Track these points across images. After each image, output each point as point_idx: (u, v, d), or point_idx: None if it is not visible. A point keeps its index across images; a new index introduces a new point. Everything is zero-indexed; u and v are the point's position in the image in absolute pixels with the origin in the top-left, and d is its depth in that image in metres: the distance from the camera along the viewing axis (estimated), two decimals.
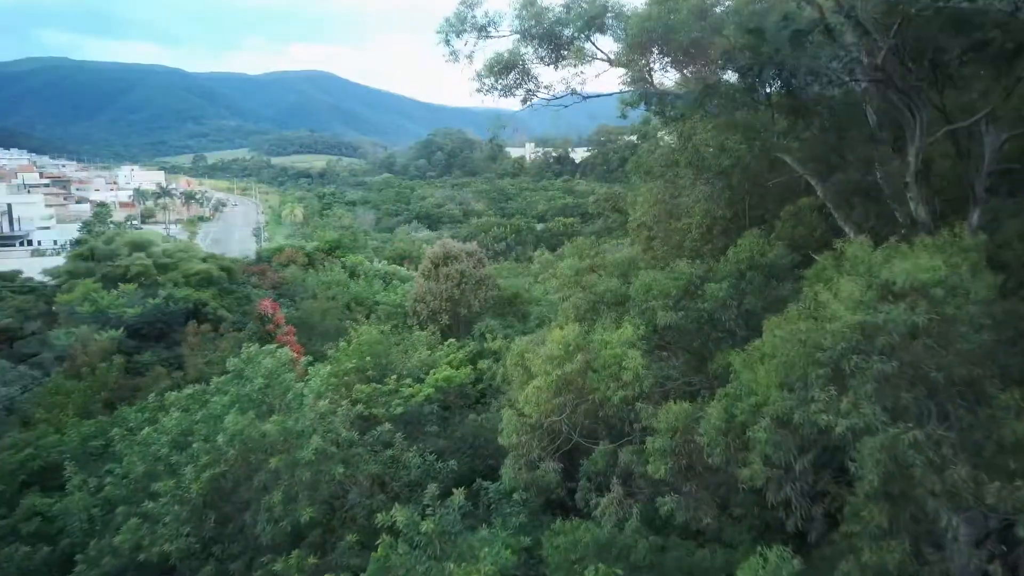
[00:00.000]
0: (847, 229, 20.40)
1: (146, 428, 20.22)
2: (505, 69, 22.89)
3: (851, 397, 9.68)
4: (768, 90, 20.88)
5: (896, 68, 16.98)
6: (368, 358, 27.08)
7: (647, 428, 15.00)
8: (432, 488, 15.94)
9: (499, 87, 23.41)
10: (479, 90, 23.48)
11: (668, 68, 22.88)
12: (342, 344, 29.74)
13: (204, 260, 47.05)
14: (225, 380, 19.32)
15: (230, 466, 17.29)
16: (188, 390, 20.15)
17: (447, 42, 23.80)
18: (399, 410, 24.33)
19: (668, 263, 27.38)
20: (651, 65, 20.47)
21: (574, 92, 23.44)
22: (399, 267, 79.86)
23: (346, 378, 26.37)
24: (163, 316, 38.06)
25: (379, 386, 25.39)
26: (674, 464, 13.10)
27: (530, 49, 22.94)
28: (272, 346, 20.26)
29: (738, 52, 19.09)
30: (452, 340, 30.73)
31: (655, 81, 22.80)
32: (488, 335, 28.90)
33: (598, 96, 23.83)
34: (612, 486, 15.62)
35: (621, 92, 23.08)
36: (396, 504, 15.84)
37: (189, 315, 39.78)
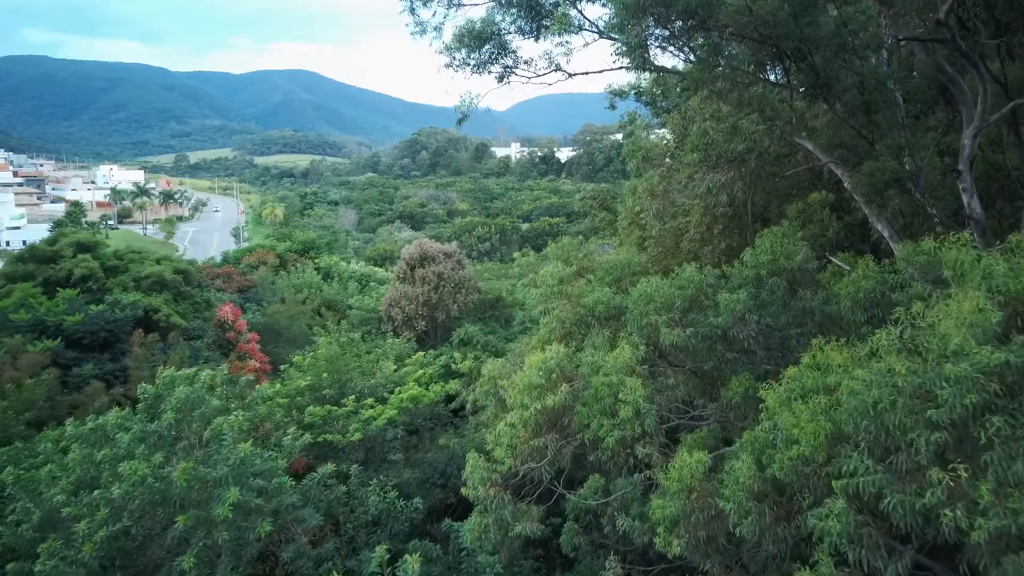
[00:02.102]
0: (879, 227, 17.27)
1: (49, 465, 16.86)
2: (478, 40, 19.65)
3: (991, 482, 6.43)
4: (785, 64, 17.77)
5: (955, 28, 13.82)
6: (325, 375, 23.74)
7: (652, 481, 11.85)
8: (380, 551, 12.67)
9: (472, 62, 20.17)
10: (448, 65, 20.23)
11: (666, 46, 19.78)
12: (296, 357, 26.39)
13: (158, 262, 43.42)
14: (126, 414, 15.85)
15: (135, 520, 13.97)
16: (90, 422, 16.60)
17: (412, 11, 20.59)
18: (357, 436, 21.06)
19: (664, 265, 24.39)
20: (647, 33, 17.24)
21: (558, 68, 20.26)
22: (377, 268, 76.35)
23: (298, 399, 23.07)
24: (107, 324, 34.50)
25: (335, 408, 22.10)
26: (690, 537, 9.90)
27: (507, 18, 19.75)
28: (191, 369, 16.90)
29: (752, 18, 15.99)
30: (421, 353, 27.45)
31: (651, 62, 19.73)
32: (457, 355, 25.54)
33: (586, 74, 20.65)
34: (608, 563, 12.39)
35: (612, 68, 19.91)
36: (335, 572, 12.59)
37: (138, 323, 36.30)
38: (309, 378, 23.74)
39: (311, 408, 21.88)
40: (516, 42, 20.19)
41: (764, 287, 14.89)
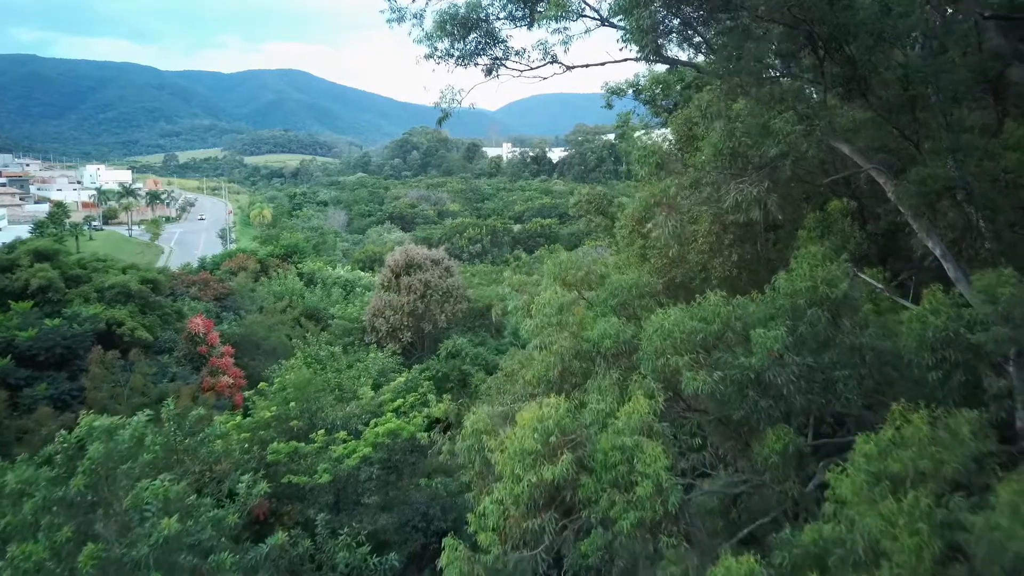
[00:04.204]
0: (930, 244, 14.79)
1: None
2: (463, 28, 17.11)
3: None
4: (819, 54, 15.28)
5: None
6: (293, 403, 21.12)
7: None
8: None
9: (456, 53, 17.63)
10: (429, 56, 17.70)
11: (676, 36, 17.33)
12: (261, 384, 23.77)
13: (123, 271, 40.63)
14: (29, 475, 13.05)
15: None
16: None
17: None
18: (326, 478, 18.52)
19: (669, 277, 21.90)
20: (658, 14, 14.73)
21: (554, 60, 17.75)
22: (363, 273, 73.49)
23: (261, 433, 20.47)
24: (64, 340, 31.76)
25: (301, 445, 19.53)
26: None
27: (496, 2, 17.22)
28: (115, 418, 14.22)
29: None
30: (402, 377, 24.82)
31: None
32: (430, 396, 22.81)
33: (586, 67, 18.13)
34: None
35: (616, 60, 17.43)
36: None
37: (100, 337, 33.55)
38: (274, 408, 21.14)
39: (274, 445, 19.32)
40: (506, 30, 17.75)
41: (803, 320, 12.40)
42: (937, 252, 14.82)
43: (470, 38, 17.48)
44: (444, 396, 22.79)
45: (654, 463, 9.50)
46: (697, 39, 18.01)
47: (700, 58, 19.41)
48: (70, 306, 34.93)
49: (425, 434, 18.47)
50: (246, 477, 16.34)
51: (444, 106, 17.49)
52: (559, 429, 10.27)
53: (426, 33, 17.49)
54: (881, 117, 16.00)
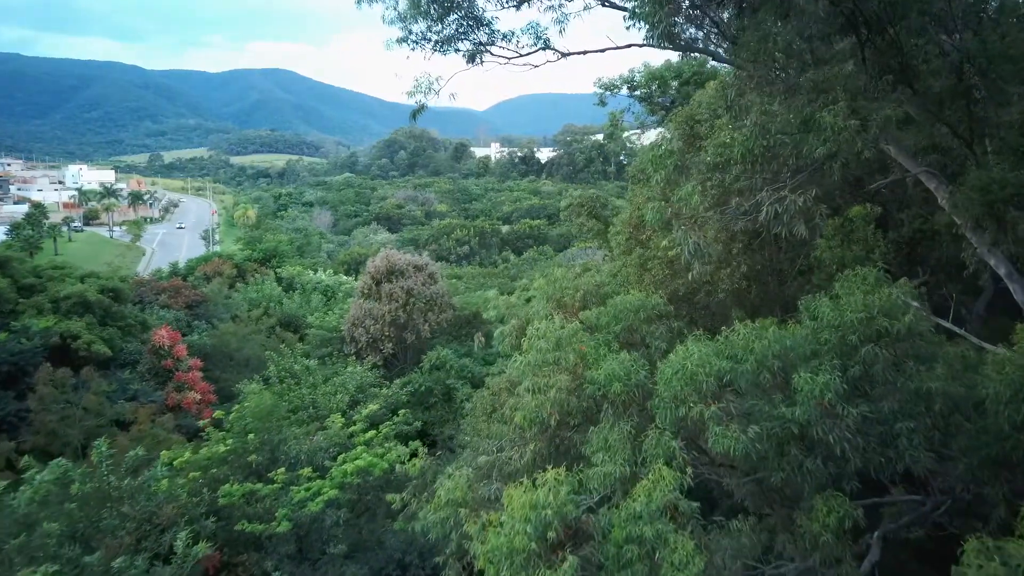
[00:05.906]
0: (992, 262, 12.56)
1: None
2: (441, 8, 14.71)
3: None
4: (860, 37, 12.95)
5: None
6: (252, 435, 18.65)
7: None
8: None
9: (433, 37, 15.23)
10: (403, 40, 15.30)
11: (688, 17, 15.04)
12: (218, 412, 21.25)
13: (82, 280, 37.98)
14: None
15: None
16: None
17: None
18: (284, 526, 16.08)
19: (671, 289, 19.67)
20: None
21: (547, 46, 15.37)
22: (346, 277, 70.74)
23: (214, 471, 18.00)
24: (12, 356, 29.19)
25: (258, 486, 17.08)
26: None
27: None
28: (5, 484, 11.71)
29: None
30: (375, 406, 22.25)
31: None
32: (402, 450, 19.74)
33: (583, 53, 15.71)
34: None
35: (618, 47, 15.06)
36: None
37: (54, 353, 30.99)
38: (231, 441, 18.67)
39: (226, 487, 16.84)
40: (491, 10, 15.33)
41: (855, 359, 10.06)
42: (1001, 271, 12.59)
43: (449, 19, 15.11)
44: (422, 451, 19.94)
45: (685, 568, 7.12)
46: (708, 23, 15.79)
47: (711, 47, 17.15)
48: (21, 318, 32.31)
49: (397, 497, 15.87)
50: (183, 534, 13.89)
51: (419, 98, 15.04)
52: (560, 518, 7.83)
53: (399, 13, 15.09)
54: (929, 111, 13.65)
